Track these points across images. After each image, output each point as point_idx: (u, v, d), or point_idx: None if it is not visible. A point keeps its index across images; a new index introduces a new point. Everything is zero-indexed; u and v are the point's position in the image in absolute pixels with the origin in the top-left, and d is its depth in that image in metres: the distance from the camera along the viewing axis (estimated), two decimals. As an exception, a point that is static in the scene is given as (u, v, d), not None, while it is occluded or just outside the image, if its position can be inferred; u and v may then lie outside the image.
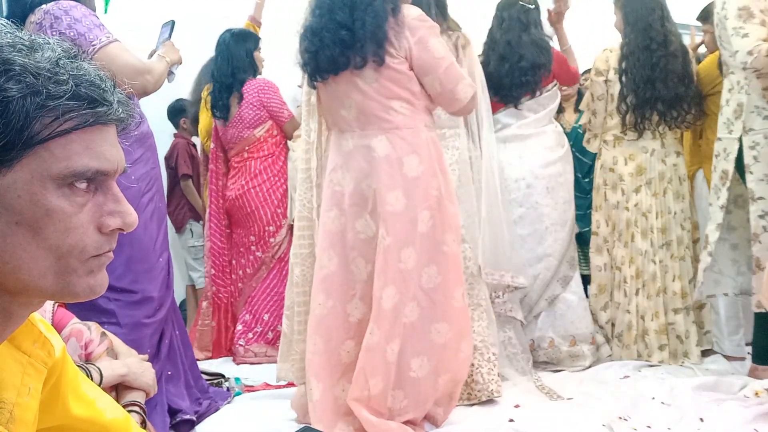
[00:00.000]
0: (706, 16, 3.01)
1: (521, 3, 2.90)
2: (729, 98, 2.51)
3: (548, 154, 2.88)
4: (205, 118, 3.55)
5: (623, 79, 2.87)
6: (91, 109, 0.65)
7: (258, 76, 3.32)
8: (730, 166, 2.51)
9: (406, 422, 2.04)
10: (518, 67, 2.85)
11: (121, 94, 0.69)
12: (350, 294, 2.05)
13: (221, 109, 3.27)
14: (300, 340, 2.16)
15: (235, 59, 3.24)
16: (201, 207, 3.84)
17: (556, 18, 3.06)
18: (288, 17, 3.71)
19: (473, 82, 2.14)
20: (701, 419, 2.07)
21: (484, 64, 2.90)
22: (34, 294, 0.67)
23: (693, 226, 2.97)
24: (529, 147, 2.88)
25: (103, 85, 0.67)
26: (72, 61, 0.66)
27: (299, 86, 3.53)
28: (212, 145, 3.42)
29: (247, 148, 3.29)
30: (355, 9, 1.95)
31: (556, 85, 3.00)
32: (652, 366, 2.79)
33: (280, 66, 3.55)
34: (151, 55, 2.28)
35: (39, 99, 0.62)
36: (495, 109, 2.94)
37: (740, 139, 2.46)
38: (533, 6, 2.94)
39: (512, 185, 2.86)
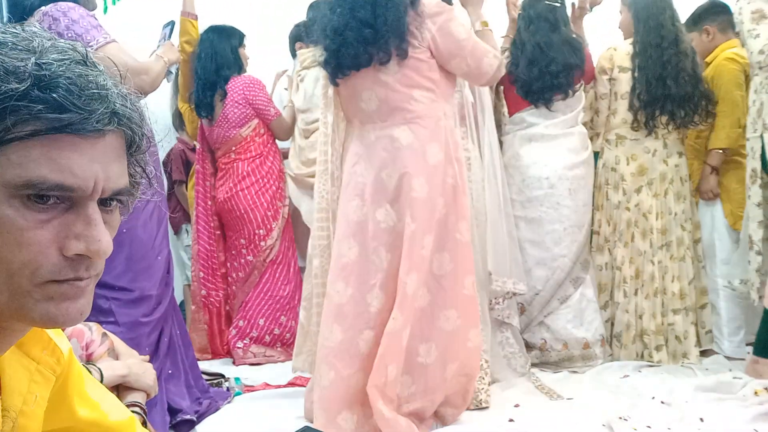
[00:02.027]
0: (692, 21, 3.03)
1: (547, 1, 2.87)
2: (755, 99, 2.55)
3: (573, 156, 2.86)
4: (190, 120, 3.52)
5: (636, 74, 2.87)
6: (57, 115, 0.58)
7: (244, 73, 3.28)
8: (758, 164, 2.53)
9: (413, 413, 2.04)
10: (548, 71, 2.81)
11: (128, 109, 0.63)
12: (370, 284, 2.05)
13: (206, 108, 3.22)
14: (318, 332, 2.16)
15: (220, 56, 3.19)
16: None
17: (579, 14, 3.05)
18: (273, 14, 3.72)
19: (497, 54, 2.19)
20: (701, 419, 2.07)
21: (512, 65, 2.89)
22: None
23: (695, 227, 2.97)
24: (555, 147, 2.85)
25: (87, 92, 0.59)
26: (60, 62, 0.59)
27: (285, 89, 3.55)
28: (198, 145, 3.38)
29: (234, 148, 3.22)
30: (376, 6, 1.98)
31: (582, 85, 2.97)
32: (652, 366, 2.79)
33: (266, 64, 3.56)
34: (151, 56, 2.29)
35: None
36: (521, 107, 2.93)
37: (762, 137, 2.48)
38: (559, 3, 2.89)
39: (534, 183, 2.84)
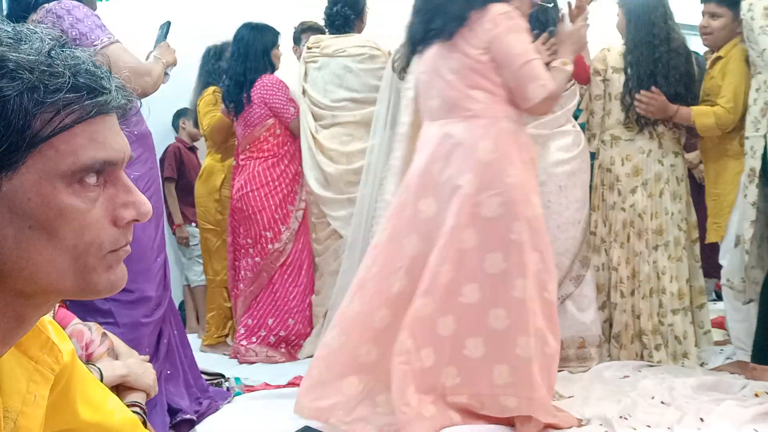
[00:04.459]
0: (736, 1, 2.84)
1: (540, 2, 2.89)
2: (756, 97, 2.53)
3: (562, 154, 2.86)
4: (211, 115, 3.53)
5: (628, 71, 2.87)
6: (92, 100, 0.62)
7: (274, 73, 3.30)
8: (758, 164, 2.52)
9: (461, 408, 2.07)
10: None
11: (118, 79, 0.67)
12: (396, 266, 2.11)
13: (235, 106, 3.25)
14: None
15: (250, 59, 3.21)
16: (176, 212, 3.85)
17: (577, 12, 3.05)
18: (274, 14, 3.71)
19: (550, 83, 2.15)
20: (701, 419, 2.08)
21: None
22: (54, 295, 0.65)
23: (691, 227, 2.96)
24: (543, 147, 2.86)
25: (99, 72, 0.64)
26: (63, 50, 0.63)
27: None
28: (236, 142, 3.41)
29: (248, 146, 3.25)
30: None
31: (574, 83, 2.96)
32: (652, 366, 2.79)
33: (289, 62, 3.56)
34: (148, 57, 2.28)
35: (37, 95, 0.59)
36: None
37: (765, 137, 2.47)
38: (551, 4, 2.91)
39: None
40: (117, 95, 0.65)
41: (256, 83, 3.21)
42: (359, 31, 3.26)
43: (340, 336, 2.12)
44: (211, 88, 3.55)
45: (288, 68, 3.42)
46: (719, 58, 2.83)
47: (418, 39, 2.20)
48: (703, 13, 2.87)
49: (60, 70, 0.61)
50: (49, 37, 0.63)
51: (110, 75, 0.65)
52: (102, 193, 0.65)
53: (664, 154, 2.89)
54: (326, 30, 3.30)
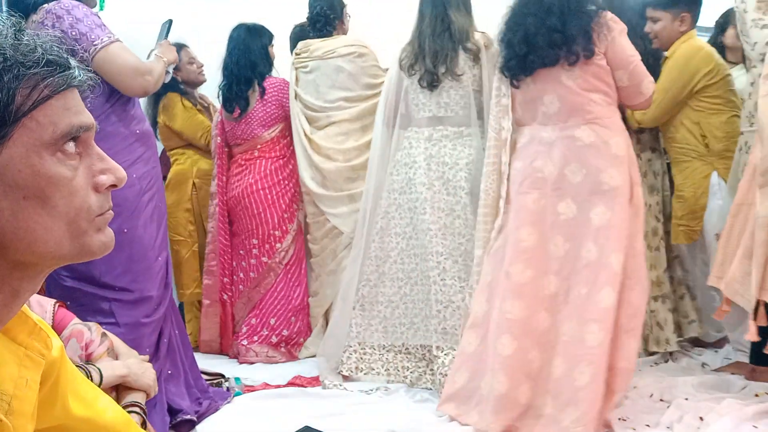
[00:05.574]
0: (669, 3, 2.84)
1: None
2: (751, 91, 2.51)
3: None
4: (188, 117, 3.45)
5: None
6: (62, 73, 0.67)
7: (272, 72, 3.29)
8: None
9: None
10: None
11: (75, 58, 0.72)
12: (546, 269, 2.21)
13: (240, 103, 3.19)
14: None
15: (253, 53, 3.20)
16: None
17: None
18: (273, 15, 3.72)
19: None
20: (701, 418, 2.07)
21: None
22: (52, 262, 0.69)
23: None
24: None
25: (62, 50, 0.69)
26: (24, 33, 0.67)
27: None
28: (218, 140, 3.34)
29: (259, 146, 3.22)
30: (566, 16, 2.20)
31: None
32: (651, 366, 2.79)
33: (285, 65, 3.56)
34: (150, 55, 2.29)
35: (15, 71, 0.64)
36: None
37: None
38: None
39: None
40: (80, 72, 0.70)
41: (269, 83, 3.21)
42: (343, 34, 3.27)
43: (512, 342, 2.16)
44: (177, 95, 3.43)
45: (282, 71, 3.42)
46: (667, 58, 2.87)
47: (545, 62, 2.24)
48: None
49: (32, 47, 0.66)
50: (9, 22, 0.67)
51: (72, 53, 0.71)
52: (80, 162, 0.70)
53: (642, 149, 2.96)
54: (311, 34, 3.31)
